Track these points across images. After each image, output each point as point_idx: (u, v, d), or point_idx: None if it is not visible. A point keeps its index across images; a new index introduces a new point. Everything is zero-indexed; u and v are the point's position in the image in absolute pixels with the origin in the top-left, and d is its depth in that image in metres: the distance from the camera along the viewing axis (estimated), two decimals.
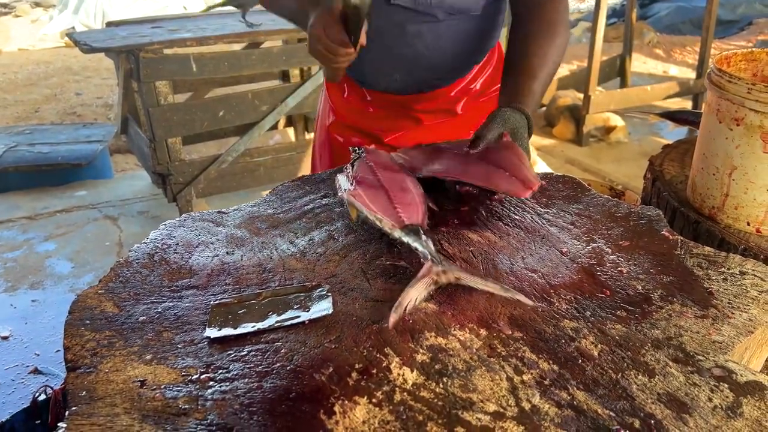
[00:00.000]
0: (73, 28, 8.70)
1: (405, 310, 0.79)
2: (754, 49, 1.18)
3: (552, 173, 1.26)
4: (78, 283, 2.93)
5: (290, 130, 4.61)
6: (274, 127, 4.09)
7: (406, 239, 0.92)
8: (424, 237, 0.91)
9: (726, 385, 0.71)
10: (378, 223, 0.95)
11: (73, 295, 2.78)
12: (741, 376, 0.72)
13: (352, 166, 1.16)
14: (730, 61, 1.16)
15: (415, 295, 0.81)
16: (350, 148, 1.22)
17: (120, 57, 3.05)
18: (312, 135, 4.35)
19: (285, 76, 4.14)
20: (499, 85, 1.25)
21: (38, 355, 2.42)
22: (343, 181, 1.11)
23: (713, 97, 1.08)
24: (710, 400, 0.69)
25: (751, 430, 0.65)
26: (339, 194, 1.07)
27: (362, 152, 1.20)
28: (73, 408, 0.69)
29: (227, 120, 3.32)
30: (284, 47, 3.37)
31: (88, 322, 0.82)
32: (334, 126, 1.51)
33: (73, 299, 0.87)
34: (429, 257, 0.87)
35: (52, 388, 2.01)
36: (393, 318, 0.78)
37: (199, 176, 3.30)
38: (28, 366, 2.33)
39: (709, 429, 0.65)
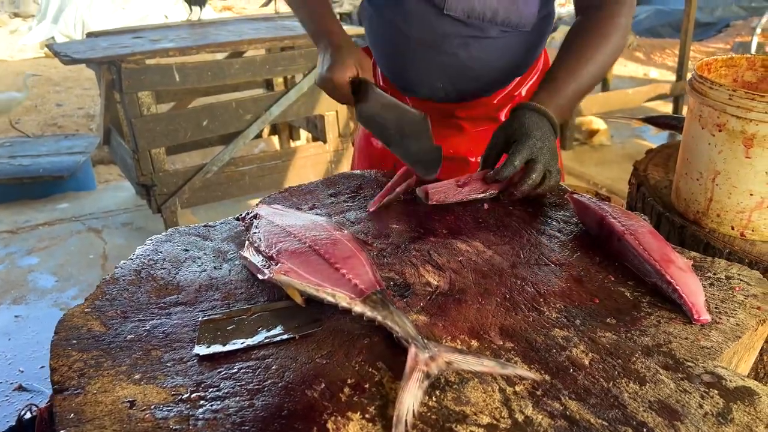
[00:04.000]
0: (53, 38, 8.62)
1: (407, 424, 0.65)
2: (733, 54, 1.20)
3: None
4: (62, 297, 2.90)
5: (275, 139, 4.60)
6: (258, 135, 4.08)
7: (372, 314, 0.78)
8: (392, 308, 0.79)
9: (716, 391, 0.72)
10: (331, 299, 0.82)
11: (57, 310, 2.74)
12: (730, 381, 0.73)
13: (251, 232, 0.99)
14: (710, 67, 1.18)
15: (410, 401, 0.67)
16: (240, 215, 1.10)
17: (102, 68, 3.03)
18: (296, 143, 4.35)
19: (268, 85, 4.13)
20: None
21: (22, 371, 2.38)
22: (254, 257, 0.93)
23: (695, 103, 1.09)
24: (701, 406, 0.70)
25: None
26: (261, 277, 0.88)
27: (251, 213, 1.05)
28: (62, 431, 0.67)
29: (211, 129, 3.30)
30: (267, 56, 3.37)
31: (74, 341, 0.81)
32: None
33: (59, 318, 0.86)
34: (411, 340, 0.74)
35: (37, 406, 1.98)
36: None
37: (184, 186, 3.28)
38: (12, 383, 2.29)
39: None
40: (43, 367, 2.45)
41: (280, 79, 3.99)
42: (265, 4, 6.92)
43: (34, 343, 2.58)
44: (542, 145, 1.08)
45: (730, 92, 1.00)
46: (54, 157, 4.08)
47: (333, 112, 3.60)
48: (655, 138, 4.86)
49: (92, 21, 8.54)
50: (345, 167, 3.78)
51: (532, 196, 1.14)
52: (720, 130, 1.04)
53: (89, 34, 3.63)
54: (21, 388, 2.29)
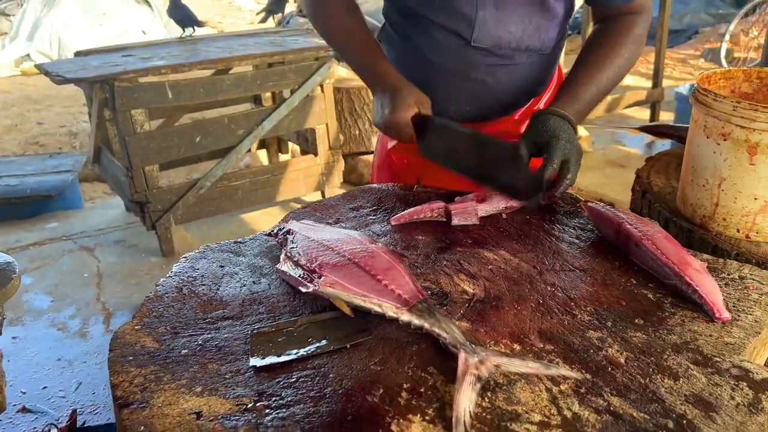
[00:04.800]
0: (28, 55, 8.52)
1: (466, 425, 0.69)
2: (731, 68, 1.27)
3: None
4: (59, 317, 2.88)
5: (261, 153, 4.62)
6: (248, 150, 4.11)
7: (420, 323, 0.83)
8: (438, 315, 0.83)
9: (745, 384, 0.77)
10: (378, 309, 0.86)
11: (54, 330, 2.73)
12: (757, 374, 0.79)
13: (288, 247, 1.02)
14: (710, 80, 1.25)
15: (466, 403, 0.71)
16: (272, 230, 1.12)
17: (95, 87, 3.03)
18: (287, 156, 4.38)
19: (256, 100, 4.16)
20: None
21: (24, 393, 2.37)
22: (294, 271, 0.96)
23: (699, 114, 1.16)
24: (732, 398, 0.75)
25: None
26: (304, 290, 0.92)
27: (284, 229, 1.09)
28: None
29: (204, 145, 3.32)
30: (258, 71, 3.40)
31: (131, 358, 0.84)
32: (396, 149, 1.53)
33: (112, 336, 0.88)
34: (459, 346, 0.78)
35: (56, 425, 1.99)
36: None
37: (178, 203, 3.29)
38: (15, 405, 2.28)
39: (736, 425, 0.71)
40: (45, 387, 2.44)
41: (269, 94, 4.02)
42: (264, 20, 6.95)
43: (34, 364, 2.57)
44: (572, 147, 1.14)
45: (734, 104, 1.07)
46: (41, 177, 4.05)
47: (323, 125, 3.64)
48: (634, 143, 4.99)
49: (69, 38, 8.46)
50: (336, 180, 3.82)
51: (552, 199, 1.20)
52: (725, 139, 1.11)
53: (77, 54, 3.63)
54: (25, 410, 2.28)
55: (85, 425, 2.06)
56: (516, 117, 1.45)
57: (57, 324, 2.84)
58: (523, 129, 1.43)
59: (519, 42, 1.32)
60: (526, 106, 1.45)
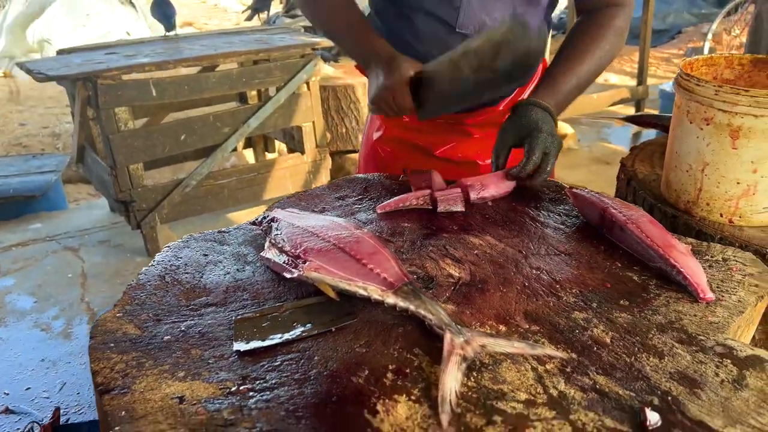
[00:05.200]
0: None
1: (452, 403, 0.69)
2: (713, 54, 1.28)
3: None
4: (42, 318, 2.84)
5: (247, 152, 4.60)
6: (234, 149, 4.08)
7: (405, 305, 0.83)
8: (424, 297, 0.83)
9: (729, 361, 0.77)
10: (363, 292, 0.85)
11: (38, 331, 2.69)
12: (741, 351, 0.79)
13: (272, 234, 1.01)
14: (693, 66, 1.25)
15: (452, 383, 0.71)
16: (256, 219, 1.12)
17: (77, 84, 3.00)
18: (274, 155, 4.36)
19: (242, 98, 4.14)
20: None
21: (8, 394, 2.34)
22: (279, 257, 0.96)
23: (682, 99, 1.17)
24: (717, 375, 0.75)
25: (757, 399, 0.72)
26: (288, 276, 0.91)
27: (268, 216, 1.08)
28: (116, 428, 0.69)
29: (189, 144, 3.29)
30: (244, 69, 3.38)
31: (112, 344, 0.83)
32: (381, 140, 1.52)
33: (93, 324, 0.87)
34: (444, 327, 0.78)
35: (39, 423, 1.96)
36: (445, 418, 0.67)
37: (163, 201, 3.26)
38: None
39: (720, 401, 0.71)
40: (28, 388, 2.41)
41: (254, 92, 4.00)
42: (249, 18, 6.92)
43: (17, 365, 2.53)
44: (553, 139, 1.15)
45: (716, 88, 1.08)
46: (24, 177, 4.00)
47: (310, 123, 3.62)
48: (619, 140, 5.02)
49: (52, 38, 8.38)
50: (323, 178, 3.81)
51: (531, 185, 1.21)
52: (708, 124, 1.11)
53: (59, 52, 3.58)
54: (8, 411, 2.25)
55: (69, 422, 2.03)
56: (500, 108, 1.45)
57: (40, 325, 2.80)
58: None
59: None
60: (510, 97, 1.45)
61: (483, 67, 1.09)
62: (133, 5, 9.15)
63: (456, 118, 1.44)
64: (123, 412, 0.71)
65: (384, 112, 1.23)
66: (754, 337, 1.07)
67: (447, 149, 1.46)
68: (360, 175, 1.38)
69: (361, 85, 3.99)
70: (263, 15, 6.99)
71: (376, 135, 1.54)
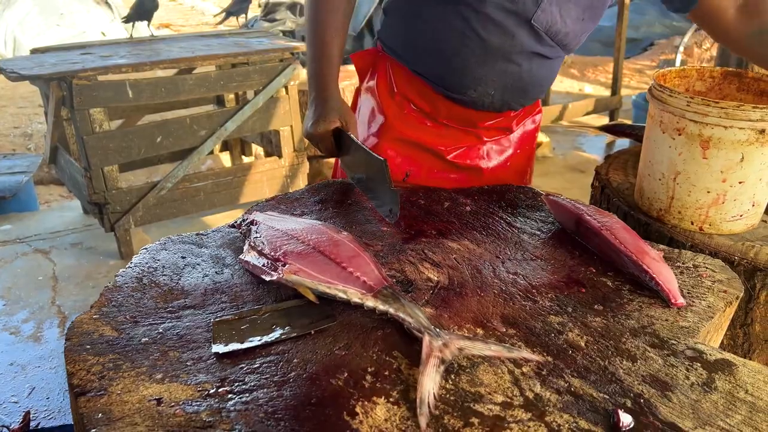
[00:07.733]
0: None
1: (430, 405, 0.70)
2: (686, 66, 1.31)
3: (513, 185, 1.34)
4: (11, 321, 2.78)
5: (224, 155, 4.57)
6: (210, 152, 4.06)
7: (384, 308, 0.83)
8: (403, 301, 0.84)
9: (699, 364, 0.80)
10: (343, 295, 0.86)
11: (7, 335, 2.63)
12: (710, 355, 0.81)
13: (251, 237, 1.02)
14: (666, 78, 1.29)
15: (430, 385, 0.72)
16: (235, 222, 1.13)
17: (51, 84, 2.95)
18: (251, 159, 4.34)
19: (219, 101, 4.12)
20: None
21: None
22: (258, 260, 0.95)
23: (655, 109, 1.20)
24: (687, 378, 0.78)
25: (726, 401, 0.74)
26: (267, 279, 0.91)
27: (247, 219, 1.08)
28: (93, 431, 0.69)
29: (165, 146, 3.26)
30: (222, 72, 3.36)
31: (88, 346, 0.82)
32: (388, 139, 1.46)
33: (69, 326, 0.86)
34: (423, 330, 0.79)
35: (8, 428, 1.91)
36: (423, 420, 0.68)
37: (138, 204, 3.22)
38: None
39: (691, 403, 0.73)
40: None
41: (232, 95, 3.98)
42: (221, 22, 6.88)
43: None
44: None
45: (688, 99, 1.11)
46: None
47: (288, 127, 3.62)
48: (594, 149, 5.10)
49: (25, 38, 8.23)
50: (301, 182, 3.80)
51: None
52: (679, 134, 1.14)
53: (33, 51, 3.53)
54: None
55: (39, 427, 1.99)
56: (511, 114, 1.45)
57: (9, 328, 2.74)
58: (514, 125, 1.46)
59: (565, 36, 1.31)
60: (524, 108, 1.46)
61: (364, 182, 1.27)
62: (109, 6, 9.04)
63: (471, 119, 1.41)
64: (99, 414, 0.71)
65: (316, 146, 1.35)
66: (722, 341, 1.10)
67: (458, 154, 1.44)
68: (338, 180, 1.38)
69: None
70: (241, 19, 6.96)
71: (374, 128, 1.47)
